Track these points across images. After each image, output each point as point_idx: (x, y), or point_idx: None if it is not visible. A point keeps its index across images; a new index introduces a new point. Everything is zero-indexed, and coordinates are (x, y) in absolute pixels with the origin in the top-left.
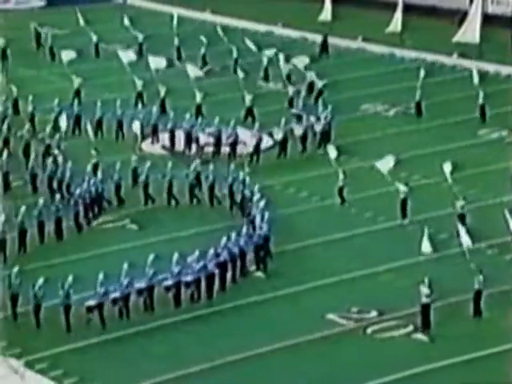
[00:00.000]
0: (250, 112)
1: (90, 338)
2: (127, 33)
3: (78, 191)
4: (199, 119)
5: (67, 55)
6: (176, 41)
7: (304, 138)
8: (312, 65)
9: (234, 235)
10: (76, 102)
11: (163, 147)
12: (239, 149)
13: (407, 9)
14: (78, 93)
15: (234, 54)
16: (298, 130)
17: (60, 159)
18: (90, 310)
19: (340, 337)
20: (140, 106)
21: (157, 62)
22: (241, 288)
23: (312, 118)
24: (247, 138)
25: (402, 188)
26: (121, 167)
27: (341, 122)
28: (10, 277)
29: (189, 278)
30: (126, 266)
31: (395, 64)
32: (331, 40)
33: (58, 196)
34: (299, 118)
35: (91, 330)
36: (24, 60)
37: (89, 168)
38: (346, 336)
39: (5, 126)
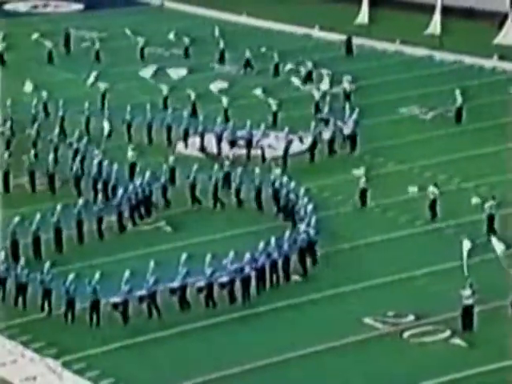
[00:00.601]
0: (274, 117)
1: (127, 340)
2: (166, 35)
3: (120, 192)
4: (230, 123)
5: (93, 77)
6: (221, 44)
7: (332, 141)
8: (350, 68)
9: (273, 240)
10: (106, 106)
11: (201, 150)
12: (268, 152)
13: (446, 11)
14: (103, 97)
15: (276, 59)
16: (326, 134)
17: (106, 161)
18: (115, 306)
19: (376, 341)
20: (170, 110)
21: (177, 73)
22: (278, 290)
23: (339, 122)
24: (276, 141)
25: (432, 189)
26: (155, 169)
27: (378, 125)
28: (42, 272)
29: (224, 279)
30: (152, 264)
31: (434, 67)
32: (369, 42)
33: (100, 196)
34: (326, 123)
35: (128, 332)
36: (65, 63)
37: (137, 169)
38: (383, 340)
39: (33, 130)
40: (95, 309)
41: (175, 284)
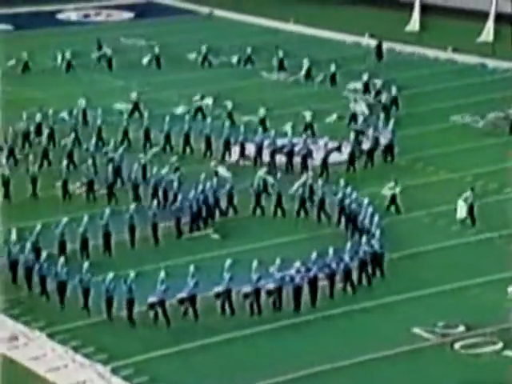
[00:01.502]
0: (309, 127)
1: (175, 346)
2: (217, 43)
3: (180, 197)
4: (271, 132)
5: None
6: (280, 52)
7: (371, 151)
8: (400, 76)
9: (331, 250)
10: (146, 115)
11: (246, 157)
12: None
13: (499, 18)
14: (135, 106)
15: (332, 68)
16: (366, 144)
17: (166, 168)
18: (151, 306)
19: (427, 351)
20: (209, 120)
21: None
22: (329, 298)
23: (376, 133)
24: (316, 151)
25: (469, 194)
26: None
27: (429, 133)
28: (81, 271)
29: (271, 286)
30: (192, 267)
31: (486, 74)
32: (419, 50)
33: (155, 202)
34: (361, 134)
35: (176, 338)
36: (118, 71)
37: (202, 176)
38: (433, 351)
39: (70, 139)
40: (130, 308)
41: (220, 288)
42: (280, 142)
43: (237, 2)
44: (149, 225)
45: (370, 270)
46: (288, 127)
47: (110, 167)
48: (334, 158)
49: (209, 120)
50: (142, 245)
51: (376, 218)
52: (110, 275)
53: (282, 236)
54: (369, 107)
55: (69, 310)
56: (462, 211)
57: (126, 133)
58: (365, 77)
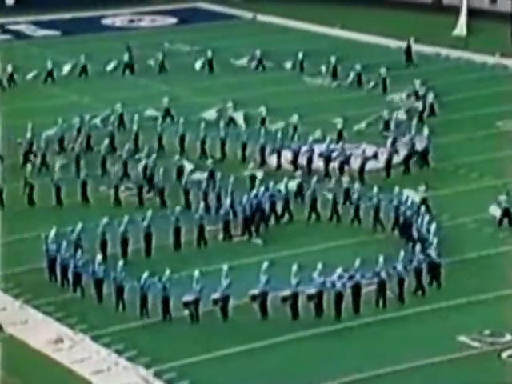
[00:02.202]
0: (340, 135)
1: (217, 350)
2: (261, 48)
3: (228, 201)
4: (309, 138)
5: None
6: (333, 59)
7: (408, 158)
8: (447, 81)
9: (381, 258)
10: (180, 120)
11: (291, 162)
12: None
13: None
14: (168, 111)
15: (383, 73)
16: (403, 151)
17: (219, 173)
18: (186, 305)
19: (473, 360)
20: (245, 126)
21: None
22: (372, 305)
23: (412, 140)
24: (354, 157)
25: (504, 198)
26: (235, 182)
27: (474, 139)
28: (116, 270)
29: (312, 291)
30: (225, 267)
31: None
32: (466, 55)
33: (201, 206)
34: (394, 141)
35: (216, 343)
36: (163, 76)
37: (257, 182)
38: (480, 360)
39: (104, 146)
40: (166, 306)
41: (256, 291)
42: (317, 148)
43: (279, 6)
44: (195, 228)
45: (424, 279)
46: (321, 133)
47: (161, 171)
48: (371, 165)
49: (244, 126)
50: (186, 247)
51: (433, 226)
52: (145, 274)
53: (330, 241)
54: (407, 113)
55: (111, 313)
56: (496, 213)
57: (160, 139)
58: (416, 83)
